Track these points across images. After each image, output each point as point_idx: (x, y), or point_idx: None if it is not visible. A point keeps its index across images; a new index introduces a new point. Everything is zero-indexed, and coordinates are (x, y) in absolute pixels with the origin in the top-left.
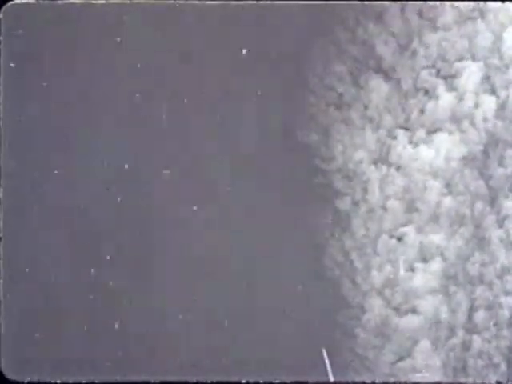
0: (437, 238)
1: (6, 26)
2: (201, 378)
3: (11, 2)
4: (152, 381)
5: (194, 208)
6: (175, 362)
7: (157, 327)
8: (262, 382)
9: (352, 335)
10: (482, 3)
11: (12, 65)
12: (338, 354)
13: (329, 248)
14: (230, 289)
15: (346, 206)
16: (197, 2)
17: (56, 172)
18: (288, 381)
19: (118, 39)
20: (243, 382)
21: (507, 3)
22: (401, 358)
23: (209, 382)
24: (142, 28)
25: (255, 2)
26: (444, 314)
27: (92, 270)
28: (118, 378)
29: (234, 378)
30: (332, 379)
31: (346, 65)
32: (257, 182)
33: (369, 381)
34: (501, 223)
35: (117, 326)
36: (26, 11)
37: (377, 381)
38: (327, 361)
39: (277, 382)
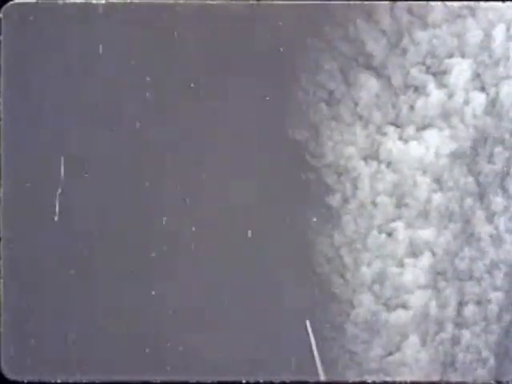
0: (426, 234)
1: (5, 26)
2: (201, 378)
3: (11, 2)
4: (152, 381)
5: (184, 203)
6: (175, 362)
7: (156, 327)
8: (262, 381)
9: (341, 330)
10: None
11: (12, 64)
12: (327, 349)
13: (319, 244)
14: (223, 288)
15: (336, 202)
16: (195, 2)
17: (56, 172)
18: (288, 381)
19: (119, 39)
20: (243, 382)
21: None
22: (390, 353)
23: (209, 381)
24: (141, 28)
25: (250, 1)
26: (433, 309)
27: (92, 269)
28: (118, 378)
29: (234, 378)
30: (316, 352)
31: (337, 62)
32: (246, 179)
33: (369, 380)
34: (490, 219)
35: (117, 325)
36: (26, 11)
37: (376, 380)
38: (311, 333)
39: (277, 382)
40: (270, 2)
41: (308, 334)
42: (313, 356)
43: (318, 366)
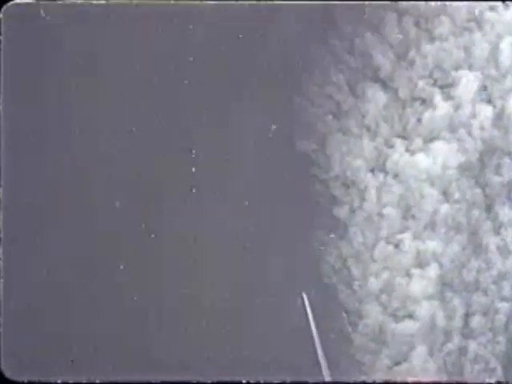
0: (433, 245)
1: (6, 26)
2: (201, 378)
3: (11, 2)
4: (152, 381)
5: (192, 217)
6: (175, 362)
7: (156, 328)
8: (262, 382)
9: (349, 340)
10: (477, 14)
11: (12, 64)
12: (336, 358)
13: (327, 255)
14: (231, 291)
15: (343, 214)
16: (197, 2)
17: (56, 172)
18: (288, 381)
19: (118, 39)
20: (243, 382)
21: (504, 13)
22: (397, 363)
23: (209, 382)
24: (142, 28)
25: (255, 2)
26: (440, 320)
27: (92, 270)
28: (118, 378)
29: (234, 378)
30: (312, 322)
31: (344, 74)
32: (255, 190)
33: (369, 380)
34: (497, 230)
35: (117, 326)
36: (26, 11)
37: (377, 381)
38: (307, 305)
39: (277, 382)
40: (277, 3)
41: (305, 308)
42: (310, 327)
43: (317, 344)
